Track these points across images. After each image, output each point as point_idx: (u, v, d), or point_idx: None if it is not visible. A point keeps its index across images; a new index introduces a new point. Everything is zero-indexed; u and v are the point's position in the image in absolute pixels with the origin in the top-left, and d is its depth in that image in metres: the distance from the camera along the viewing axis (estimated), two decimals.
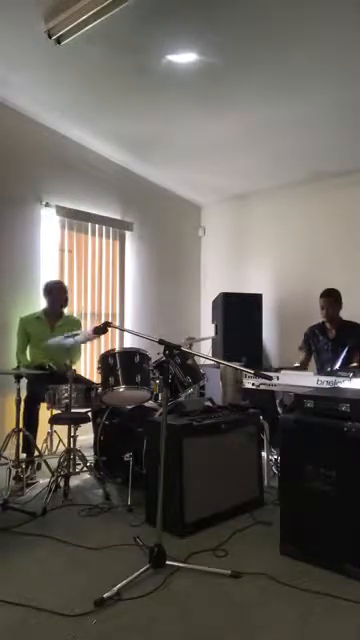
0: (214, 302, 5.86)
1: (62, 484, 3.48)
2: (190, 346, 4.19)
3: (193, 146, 5.03)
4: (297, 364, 4.39)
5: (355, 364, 4.10)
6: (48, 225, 4.98)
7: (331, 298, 4.26)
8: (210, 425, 3.08)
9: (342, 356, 4.18)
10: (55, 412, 3.83)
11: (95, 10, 3.06)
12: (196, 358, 3.78)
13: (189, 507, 2.88)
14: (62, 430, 4.04)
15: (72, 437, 3.56)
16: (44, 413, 3.97)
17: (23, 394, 3.79)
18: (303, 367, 4.36)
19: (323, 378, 3.28)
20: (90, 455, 3.85)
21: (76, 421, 3.59)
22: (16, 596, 2.21)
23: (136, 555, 2.58)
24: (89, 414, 3.80)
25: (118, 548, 2.70)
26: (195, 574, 2.41)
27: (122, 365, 3.39)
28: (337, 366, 4.12)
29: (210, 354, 5.52)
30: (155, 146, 5.14)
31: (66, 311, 4.58)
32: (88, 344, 5.09)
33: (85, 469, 3.59)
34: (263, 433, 3.66)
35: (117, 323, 5.56)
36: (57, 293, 4.42)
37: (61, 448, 4.08)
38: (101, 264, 5.52)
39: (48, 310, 4.41)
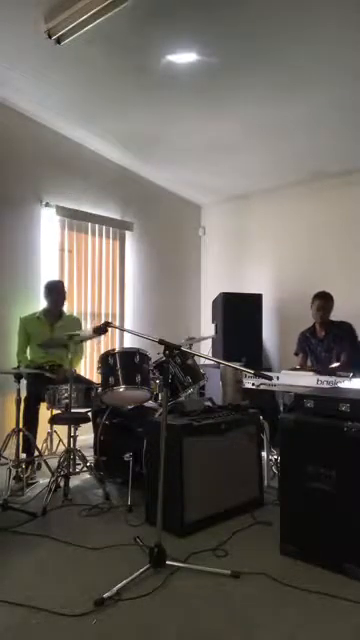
0: (214, 302, 5.86)
1: (62, 484, 3.48)
2: (190, 346, 4.19)
3: (193, 146, 5.03)
4: (297, 366, 4.40)
5: (338, 364, 4.13)
6: (48, 225, 4.98)
7: (324, 300, 4.34)
8: (210, 425, 3.08)
9: (334, 355, 4.23)
10: (55, 412, 3.83)
11: (95, 10, 3.06)
12: (196, 358, 3.78)
13: (189, 507, 2.88)
14: (62, 430, 4.05)
15: (72, 437, 3.56)
16: (44, 413, 3.97)
17: (23, 394, 3.79)
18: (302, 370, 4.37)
19: (323, 378, 3.29)
20: (90, 455, 3.85)
21: (76, 421, 3.59)
22: (16, 596, 2.21)
23: (136, 555, 2.58)
24: (89, 414, 3.80)
25: (118, 548, 2.70)
26: (195, 574, 2.41)
27: (122, 365, 3.39)
28: (334, 365, 4.14)
29: (210, 354, 5.52)
30: (155, 146, 5.14)
31: (66, 310, 4.58)
32: (88, 344, 5.09)
33: (85, 469, 3.58)
34: (263, 433, 3.66)
35: (117, 323, 5.55)
36: (57, 293, 4.42)
37: (61, 448, 4.08)
38: (101, 264, 5.52)
39: (48, 310, 4.41)
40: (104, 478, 3.63)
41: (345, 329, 4.32)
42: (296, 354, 4.54)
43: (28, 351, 4.34)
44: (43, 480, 3.75)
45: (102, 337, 3.89)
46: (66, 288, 4.57)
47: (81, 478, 3.84)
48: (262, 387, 3.53)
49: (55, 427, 4.26)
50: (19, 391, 3.68)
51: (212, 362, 3.89)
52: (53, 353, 4.19)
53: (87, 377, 4.58)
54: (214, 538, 2.80)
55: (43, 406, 3.92)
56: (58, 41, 3.41)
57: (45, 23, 3.31)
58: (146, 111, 4.44)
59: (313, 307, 4.38)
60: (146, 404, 3.76)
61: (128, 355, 3.45)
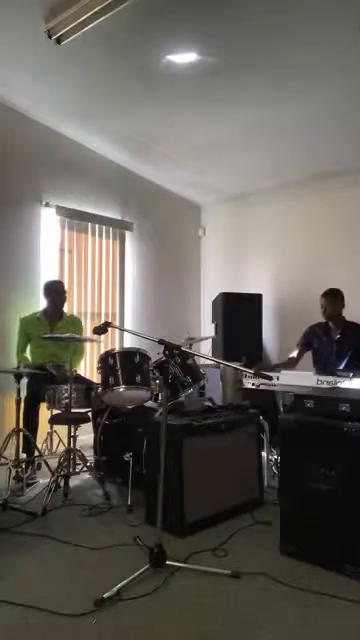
0: (214, 302, 5.86)
1: (62, 484, 3.48)
2: (190, 346, 4.19)
3: (193, 146, 5.03)
4: (293, 355, 4.31)
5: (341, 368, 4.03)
6: (48, 225, 4.98)
7: (330, 297, 4.21)
8: (210, 425, 3.08)
9: (347, 358, 4.12)
10: (55, 412, 3.83)
11: (95, 10, 3.06)
12: (196, 358, 3.78)
13: (189, 507, 2.88)
14: (62, 430, 4.04)
15: (72, 437, 3.56)
16: (44, 413, 3.97)
17: (23, 394, 3.79)
18: (294, 362, 4.28)
19: (323, 378, 3.28)
20: (90, 455, 3.85)
21: (76, 421, 3.59)
22: (16, 596, 2.21)
23: (136, 555, 2.58)
24: (89, 414, 3.80)
25: (118, 548, 2.70)
26: (195, 574, 2.41)
27: (122, 365, 3.38)
28: (341, 367, 4.07)
29: (210, 354, 5.52)
30: (155, 146, 5.14)
31: (66, 310, 4.58)
32: (88, 344, 5.09)
33: (85, 469, 3.59)
34: (263, 433, 3.65)
35: (117, 323, 5.55)
36: (56, 293, 4.41)
37: (61, 448, 4.08)
38: (101, 264, 5.52)
39: (48, 310, 4.40)
40: (104, 478, 3.63)
41: (356, 330, 4.16)
42: (298, 345, 4.36)
43: (28, 351, 4.34)
44: (43, 480, 3.75)
45: (102, 337, 3.88)
46: (66, 288, 4.57)
47: (81, 478, 3.84)
48: (262, 387, 3.52)
49: (55, 427, 4.26)
50: (19, 391, 3.68)
51: (212, 362, 3.89)
52: (53, 354, 4.20)
53: (87, 377, 4.58)
54: (214, 538, 2.80)
55: (43, 406, 3.92)
56: (58, 41, 3.41)
57: (45, 23, 3.31)
58: (146, 111, 4.44)
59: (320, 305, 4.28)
60: (146, 404, 3.76)
61: (128, 355, 3.45)
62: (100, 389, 3.49)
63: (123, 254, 5.75)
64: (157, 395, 3.66)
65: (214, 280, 6.42)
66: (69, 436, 3.56)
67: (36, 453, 3.86)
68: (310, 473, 2.53)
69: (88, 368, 5.12)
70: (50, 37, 3.38)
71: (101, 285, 5.52)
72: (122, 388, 3.33)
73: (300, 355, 4.33)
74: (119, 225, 5.65)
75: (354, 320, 4.27)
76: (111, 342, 5.53)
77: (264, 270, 5.93)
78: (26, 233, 4.81)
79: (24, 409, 3.77)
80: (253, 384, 3.59)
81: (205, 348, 5.88)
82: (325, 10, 3.07)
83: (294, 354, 4.32)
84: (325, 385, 3.20)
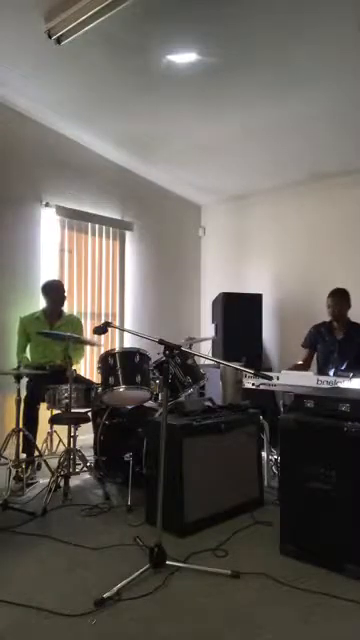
0: (214, 302, 5.86)
1: (62, 484, 3.48)
2: (190, 346, 4.19)
3: (193, 146, 5.03)
4: (300, 362, 4.33)
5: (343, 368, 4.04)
6: (48, 225, 4.98)
7: (337, 296, 4.20)
8: (210, 425, 3.08)
9: (349, 359, 4.12)
10: (55, 412, 3.83)
11: (95, 10, 3.06)
12: (196, 358, 3.78)
13: (189, 507, 2.88)
14: (62, 430, 4.04)
15: (72, 437, 3.56)
16: (44, 413, 3.97)
17: (23, 394, 3.78)
18: (306, 365, 4.31)
19: (323, 378, 3.28)
20: (90, 455, 3.85)
21: (76, 421, 3.59)
22: (16, 596, 2.21)
23: (136, 555, 2.58)
24: (89, 414, 3.80)
25: (118, 548, 2.70)
26: (195, 574, 2.41)
27: (122, 365, 3.38)
28: (343, 367, 4.07)
29: (210, 354, 5.52)
30: (155, 146, 5.14)
31: (66, 310, 4.58)
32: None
33: (85, 469, 3.58)
34: (263, 433, 3.65)
35: (117, 323, 5.55)
36: (55, 293, 4.42)
37: (61, 448, 4.08)
38: (101, 264, 5.52)
39: (47, 310, 4.40)
40: (104, 478, 3.63)
41: (358, 330, 4.18)
42: (304, 346, 4.39)
43: (28, 351, 4.34)
44: (43, 480, 3.75)
45: (102, 338, 3.88)
46: (66, 288, 4.56)
47: (81, 478, 3.84)
48: (262, 387, 3.52)
49: (55, 427, 4.26)
50: (19, 391, 3.68)
51: (212, 362, 3.88)
52: (52, 351, 4.19)
53: (87, 377, 4.58)
54: (214, 538, 2.80)
55: (43, 406, 3.92)
56: (58, 41, 3.41)
57: (45, 23, 3.31)
58: (146, 111, 4.44)
59: (326, 305, 4.28)
60: (146, 404, 3.76)
61: (128, 355, 3.45)
62: (100, 389, 3.49)
63: (123, 254, 5.75)
64: (157, 395, 3.66)
65: (214, 280, 6.42)
66: (69, 436, 3.56)
67: (36, 453, 3.86)
68: (310, 473, 2.53)
69: (88, 368, 5.13)
70: (50, 37, 3.38)
71: (101, 285, 5.52)
72: (122, 388, 3.34)
73: (310, 357, 4.34)
74: (119, 225, 5.65)
75: (355, 320, 4.27)
76: (111, 342, 5.54)
77: (264, 270, 5.93)
78: (26, 233, 4.81)
79: (24, 409, 3.77)
80: (253, 384, 3.60)
81: (205, 348, 5.88)
82: (325, 10, 3.07)
83: (303, 358, 4.33)
84: (325, 385, 3.20)
